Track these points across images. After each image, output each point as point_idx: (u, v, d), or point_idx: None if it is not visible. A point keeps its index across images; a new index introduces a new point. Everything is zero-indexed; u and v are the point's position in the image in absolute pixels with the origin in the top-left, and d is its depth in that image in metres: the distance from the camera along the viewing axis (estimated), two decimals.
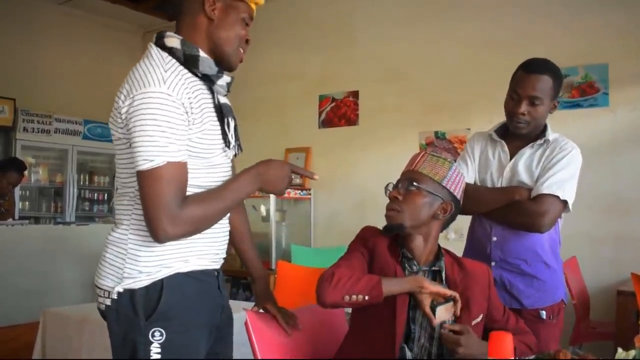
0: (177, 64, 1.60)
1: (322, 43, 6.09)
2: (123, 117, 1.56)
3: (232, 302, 3.48)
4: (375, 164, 5.63)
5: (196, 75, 1.64)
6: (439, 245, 1.91)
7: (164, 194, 1.49)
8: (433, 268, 1.86)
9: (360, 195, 5.70)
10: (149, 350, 1.55)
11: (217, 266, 1.75)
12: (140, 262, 1.58)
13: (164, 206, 1.49)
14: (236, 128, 1.74)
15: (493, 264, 2.22)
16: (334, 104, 6.02)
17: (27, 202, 6.54)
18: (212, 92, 1.68)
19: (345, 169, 5.88)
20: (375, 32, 5.77)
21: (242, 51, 1.73)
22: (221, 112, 1.68)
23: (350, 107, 5.88)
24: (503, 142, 2.31)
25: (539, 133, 2.27)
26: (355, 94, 5.87)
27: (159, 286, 1.57)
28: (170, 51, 1.62)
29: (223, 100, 1.72)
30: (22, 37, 6.59)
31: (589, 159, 2.27)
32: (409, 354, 1.78)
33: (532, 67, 2.19)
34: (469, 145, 2.42)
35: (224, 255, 1.78)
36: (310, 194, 6.00)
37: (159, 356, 1.55)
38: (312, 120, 6.11)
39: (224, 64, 1.71)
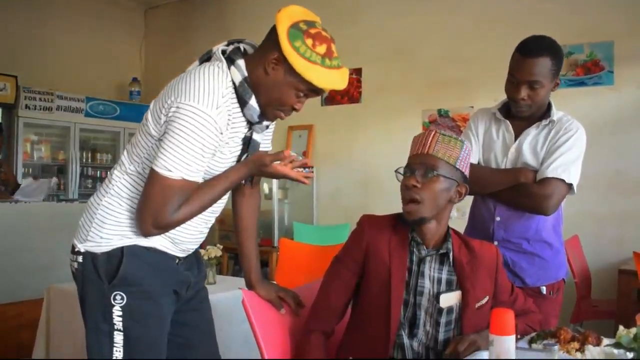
0: (233, 92, 1.66)
1: (324, 19, 5.99)
2: (166, 113, 1.60)
3: (234, 280, 3.51)
4: (378, 141, 5.62)
5: None
6: (447, 226, 1.89)
7: (164, 203, 1.58)
8: (440, 251, 1.83)
9: (363, 172, 5.69)
10: (111, 312, 1.65)
11: (182, 255, 1.81)
12: (104, 229, 1.68)
13: (158, 211, 1.58)
14: None
15: (495, 243, 2.21)
16: None
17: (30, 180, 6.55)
18: (250, 125, 1.75)
19: (348, 147, 5.87)
20: (378, 8, 5.72)
21: (282, 114, 1.75)
22: (247, 146, 1.76)
23: (353, 84, 5.85)
24: (507, 122, 2.27)
25: (544, 112, 2.24)
26: (358, 72, 5.84)
27: (119, 253, 1.66)
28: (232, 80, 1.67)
29: (256, 136, 1.78)
30: (24, 14, 6.55)
31: (593, 138, 2.26)
32: (406, 341, 1.79)
33: (529, 50, 2.10)
34: (473, 123, 2.37)
35: (193, 248, 1.86)
36: (313, 172, 6.00)
37: (120, 319, 1.65)
38: (315, 98, 6.06)
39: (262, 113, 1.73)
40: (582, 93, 4.64)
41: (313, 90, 1.69)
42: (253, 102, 1.68)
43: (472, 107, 5.00)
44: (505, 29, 4.80)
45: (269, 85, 1.67)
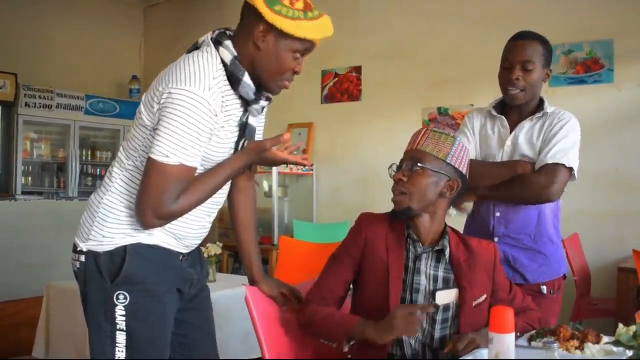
0: (224, 75, 1.65)
1: None
2: (158, 101, 1.59)
3: (234, 277, 3.51)
4: (378, 139, 5.61)
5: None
6: (445, 224, 1.90)
7: (164, 191, 1.56)
8: (436, 248, 1.84)
9: (363, 170, 5.69)
10: (114, 312, 1.64)
11: (185, 251, 1.81)
12: (106, 227, 1.67)
13: (158, 201, 1.56)
14: None
15: (496, 239, 2.22)
16: (336, 79, 5.98)
17: (29, 178, 6.54)
18: (245, 109, 1.73)
19: (348, 145, 5.87)
20: (378, 6, 5.71)
21: (286, 82, 1.74)
22: (243, 131, 1.75)
23: (353, 82, 5.85)
24: (502, 117, 2.30)
25: (537, 107, 2.27)
26: (358, 69, 5.84)
27: (122, 251, 1.65)
28: (223, 60, 1.66)
29: (252, 120, 1.76)
30: (23, 11, 6.54)
31: (593, 136, 2.28)
32: (404, 338, 1.79)
33: (520, 35, 2.23)
34: (468, 121, 2.40)
35: (196, 244, 1.85)
36: (312, 170, 6.00)
37: (123, 318, 1.64)
38: (315, 96, 6.08)
39: (263, 89, 1.73)
40: (582, 91, 4.63)
41: (307, 48, 1.70)
42: (247, 79, 1.67)
43: (472, 105, 5.00)
44: (505, 27, 4.73)
45: (265, 58, 1.67)
